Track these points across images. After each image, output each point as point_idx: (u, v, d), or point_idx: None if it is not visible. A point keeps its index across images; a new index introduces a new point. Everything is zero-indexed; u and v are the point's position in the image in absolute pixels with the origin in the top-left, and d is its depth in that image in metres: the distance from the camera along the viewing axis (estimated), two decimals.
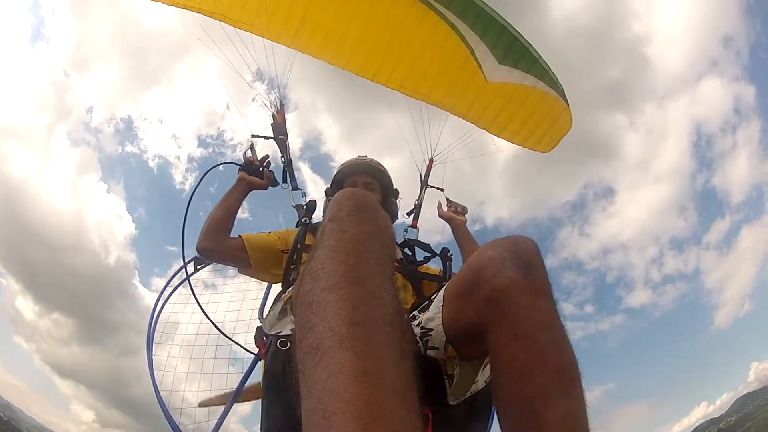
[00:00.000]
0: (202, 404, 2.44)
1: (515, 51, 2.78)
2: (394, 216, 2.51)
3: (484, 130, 3.00)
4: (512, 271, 0.98)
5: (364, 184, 2.39)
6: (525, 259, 1.01)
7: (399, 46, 2.77)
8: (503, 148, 3.05)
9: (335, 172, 2.53)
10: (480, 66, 2.78)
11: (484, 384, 1.28)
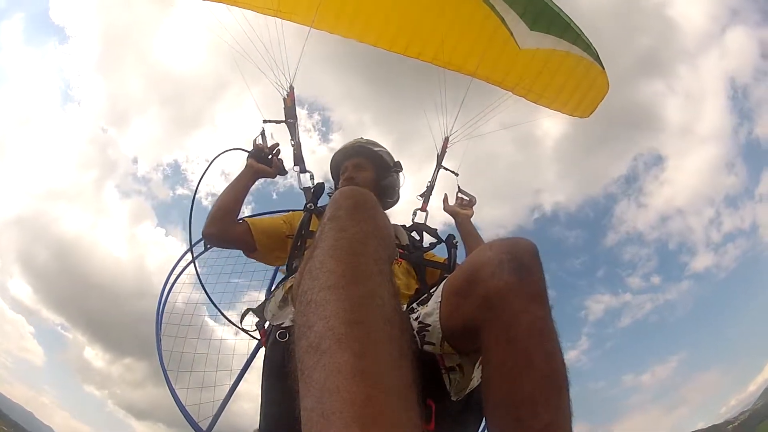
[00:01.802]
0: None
1: (546, 17, 2.75)
2: (393, 190, 2.44)
3: (507, 105, 2.94)
4: (508, 274, 0.97)
5: (354, 166, 2.35)
6: (522, 262, 0.99)
7: (429, 18, 2.75)
8: (518, 124, 2.99)
9: (330, 161, 2.51)
10: (512, 33, 2.74)
11: (480, 380, 1.22)
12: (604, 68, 2.88)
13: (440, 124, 2.83)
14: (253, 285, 2.72)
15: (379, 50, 2.89)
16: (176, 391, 2.24)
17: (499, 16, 2.75)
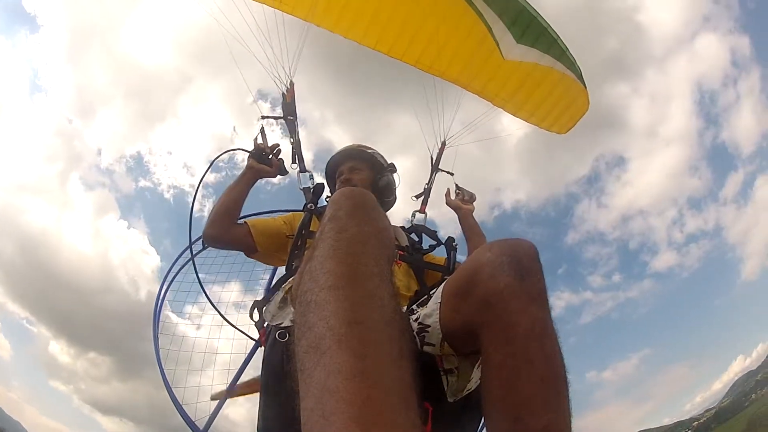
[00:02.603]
0: (214, 397, 2.43)
1: (533, 30, 2.75)
2: (390, 189, 2.46)
3: (497, 114, 2.97)
4: (508, 276, 0.98)
5: (349, 170, 2.36)
6: (522, 263, 1.00)
7: (416, 20, 2.74)
8: (515, 132, 3.04)
9: (325, 168, 2.52)
10: (497, 43, 2.75)
11: (479, 381, 1.24)
12: (585, 87, 2.90)
13: (434, 129, 2.88)
14: (251, 284, 2.78)
15: (345, 47, 2.88)
16: (173, 390, 2.26)
17: (486, 25, 2.75)
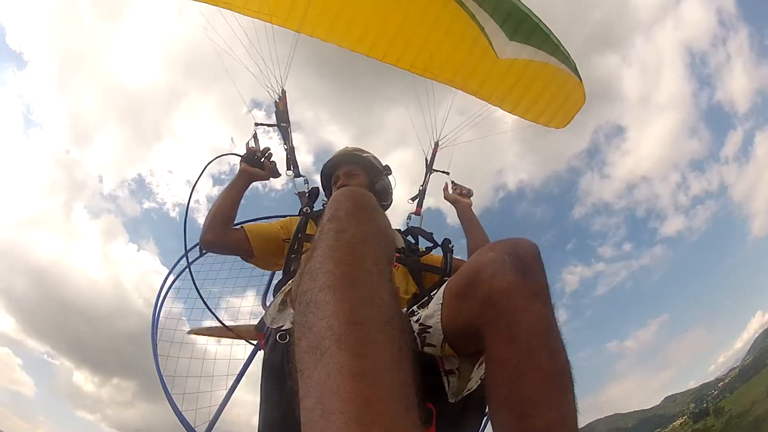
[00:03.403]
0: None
1: (526, 27, 2.74)
2: (386, 192, 2.47)
3: (491, 110, 2.97)
4: (510, 274, 0.98)
5: (345, 174, 2.37)
6: (524, 261, 1.00)
7: (408, 24, 2.74)
8: (509, 130, 3.04)
9: (320, 171, 2.52)
10: (491, 43, 2.74)
11: (479, 381, 1.28)
12: (581, 80, 2.89)
13: (428, 130, 2.87)
14: (249, 290, 2.78)
15: (333, 46, 2.88)
16: (173, 396, 2.25)
17: (479, 25, 2.74)
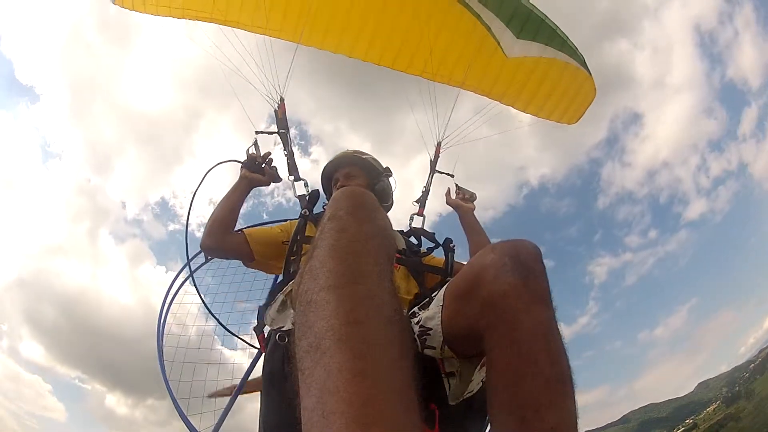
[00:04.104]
0: (211, 395, 2.53)
1: (532, 24, 2.76)
2: (386, 194, 2.46)
3: (492, 110, 2.97)
4: (511, 276, 0.97)
5: (345, 176, 2.38)
6: (525, 264, 0.99)
7: (416, 31, 2.77)
8: (514, 128, 3.04)
9: (321, 174, 2.53)
10: (498, 42, 2.77)
11: (480, 384, 1.27)
12: (590, 73, 2.90)
13: (431, 130, 2.87)
14: (252, 295, 2.80)
15: (347, 58, 2.92)
16: (178, 401, 2.32)
17: (485, 26, 2.77)
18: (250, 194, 2.29)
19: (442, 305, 1.21)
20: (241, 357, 2.75)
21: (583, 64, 2.87)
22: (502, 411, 0.92)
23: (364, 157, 2.47)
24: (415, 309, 1.39)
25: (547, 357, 0.90)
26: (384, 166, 2.52)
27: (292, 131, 2.62)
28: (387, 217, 1.06)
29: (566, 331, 1.00)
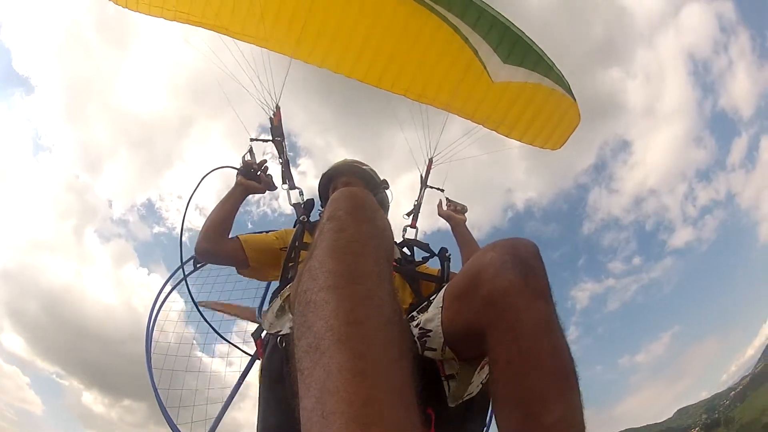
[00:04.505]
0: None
1: (519, 49, 2.77)
2: (384, 206, 2.48)
3: (481, 131, 2.99)
4: (511, 274, 0.98)
5: (344, 184, 2.38)
6: (525, 261, 1.00)
7: (402, 50, 2.77)
8: (505, 148, 3.06)
9: (319, 181, 2.56)
10: (485, 66, 2.77)
11: (480, 386, 1.27)
12: (575, 100, 2.91)
13: (422, 147, 2.93)
14: (245, 302, 2.79)
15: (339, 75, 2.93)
16: (168, 410, 2.27)
17: (472, 49, 2.77)
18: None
19: (442, 306, 1.21)
20: (220, 365, 2.71)
21: (569, 90, 2.88)
22: (508, 407, 0.93)
23: (363, 167, 2.49)
24: (414, 313, 1.39)
25: (550, 351, 0.91)
26: (382, 179, 2.53)
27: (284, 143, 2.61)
28: (386, 218, 1.06)
29: None
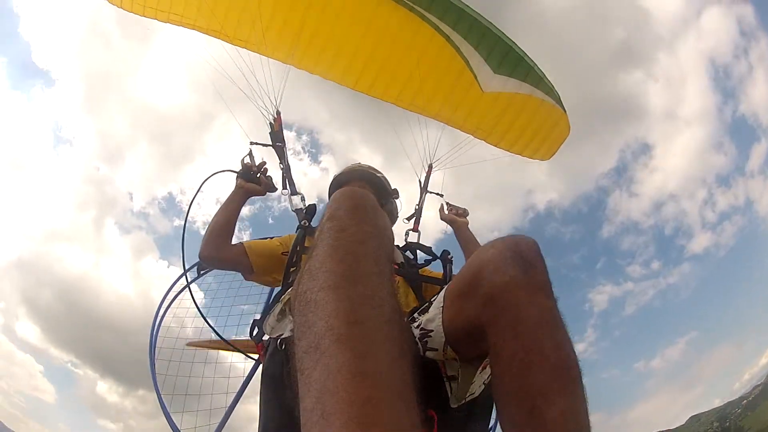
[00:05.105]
0: (190, 344, 2.55)
1: (510, 60, 2.78)
2: (393, 215, 2.49)
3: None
4: (512, 269, 0.98)
5: None
6: (525, 257, 1.00)
7: (394, 59, 2.78)
8: (503, 156, 3.07)
9: (330, 183, 2.52)
10: (476, 76, 2.78)
11: (482, 386, 1.27)
12: (565, 110, 2.92)
13: (421, 153, 2.92)
14: (249, 308, 2.82)
15: None
16: (171, 415, 2.30)
17: (464, 59, 2.78)
18: (250, 201, 2.30)
19: (443, 306, 1.20)
20: (238, 368, 2.71)
21: (559, 101, 2.89)
22: (510, 402, 0.91)
23: (378, 175, 2.47)
24: (415, 314, 1.38)
25: (553, 345, 0.90)
26: (393, 188, 2.51)
27: (305, 139, 2.63)
28: (387, 218, 1.05)
29: None
